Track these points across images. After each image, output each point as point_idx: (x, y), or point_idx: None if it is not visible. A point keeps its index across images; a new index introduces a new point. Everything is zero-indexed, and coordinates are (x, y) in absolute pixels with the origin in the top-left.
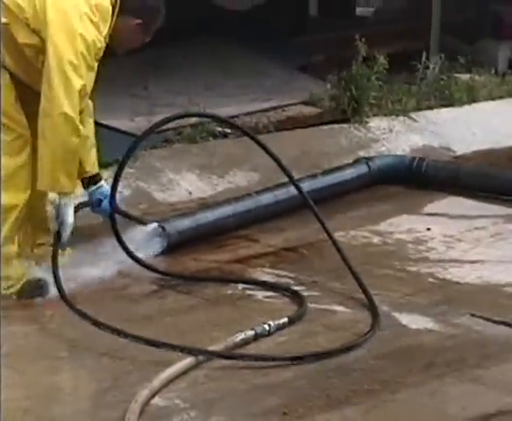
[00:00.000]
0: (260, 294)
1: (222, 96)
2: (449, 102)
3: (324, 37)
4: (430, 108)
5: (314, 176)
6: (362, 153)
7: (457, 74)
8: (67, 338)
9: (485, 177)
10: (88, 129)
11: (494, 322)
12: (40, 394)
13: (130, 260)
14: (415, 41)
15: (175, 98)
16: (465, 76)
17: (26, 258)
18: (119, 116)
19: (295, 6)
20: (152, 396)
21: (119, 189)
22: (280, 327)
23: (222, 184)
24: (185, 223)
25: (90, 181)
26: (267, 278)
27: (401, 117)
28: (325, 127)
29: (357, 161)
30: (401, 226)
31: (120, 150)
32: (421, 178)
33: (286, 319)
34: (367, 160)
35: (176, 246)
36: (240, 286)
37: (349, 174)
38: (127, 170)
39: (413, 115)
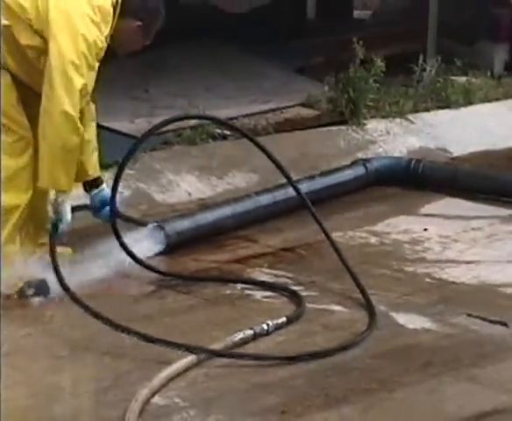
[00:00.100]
0: (259, 294)
1: (221, 98)
2: (445, 104)
3: (322, 39)
4: (427, 110)
5: (312, 177)
6: (360, 155)
7: (453, 77)
8: (68, 337)
9: (481, 179)
10: (91, 132)
11: (491, 322)
12: (42, 393)
13: (130, 261)
14: (412, 44)
15: (175, 100)
16: (462, 79)
17: (28, 258)
18: (120, 118)
19: (293, 9)
20: (152, 394)
21: (119, 190)
22: (278, 327)
23: (221, 185)
24: (184, 223)
25: (92, 184)
26: (266, 278)
27: (398, 119)
28: (323, 129)
29: (354, 163)
30: (399, 227)
31: (120, 152)
32: (418, 179)
33: (284, 319)
34: (365, 161)
35: (176, 246)
36: (239, 286)
37: (347, 175)
38: (127, 172)
39: (410, 117)
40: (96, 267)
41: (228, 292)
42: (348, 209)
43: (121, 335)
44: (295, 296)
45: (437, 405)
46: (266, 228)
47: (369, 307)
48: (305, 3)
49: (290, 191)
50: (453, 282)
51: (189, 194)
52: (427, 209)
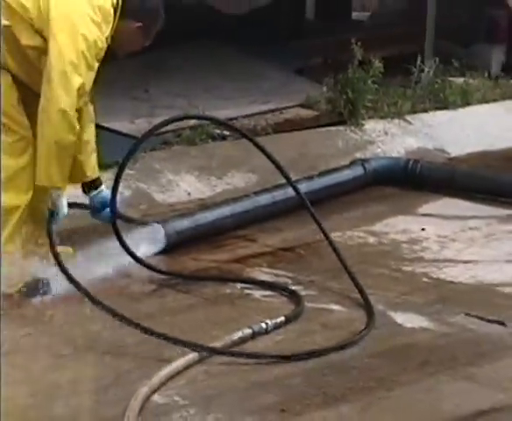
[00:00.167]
0: (258, 293)
1: (220, 99)
2: (443, 105)
3: (321, 41)
4: (425, 111)
5: (311, 178)
6: (358, 155)
7: (451, 78)
8: (68, 336)
9: (479, 179)
10: (89, 133)
11: (488, 321)
12: (42, 391)
13: (130, 260)
14: (410, 45)
15: (175, 101)
16: (460, 80)
17: (28, 258)
18: (120, 118)
19: (292, 10)
20: (152, 393)
21: (120, 190)
22: (277, 326)
23: (220, 185)
24: (184, 223)
25: (91, 186)
26: (265, 277)
27: (396, 120)
28: (322, 129)
29: (353, 163)
30: (397, 227)
31: (120, 152)
32: (416, 180)
33: (283, 318)
34: (363, 161)
35: (176, 245)
36: (239, 285)
37: (345, 175)
38: (127, 172)
39: (408, 117)
40: (97, 266)
41: (227, 291)
42: (347, 209)
43: (121, 334)
44: (293, 296)
45: (435, 404)
46: (265, 228)
47: (367, 306)
48: (304, 4)
49: (289, 191)
50: (451, 282)
51: (189, 194)
52: (425, 209)
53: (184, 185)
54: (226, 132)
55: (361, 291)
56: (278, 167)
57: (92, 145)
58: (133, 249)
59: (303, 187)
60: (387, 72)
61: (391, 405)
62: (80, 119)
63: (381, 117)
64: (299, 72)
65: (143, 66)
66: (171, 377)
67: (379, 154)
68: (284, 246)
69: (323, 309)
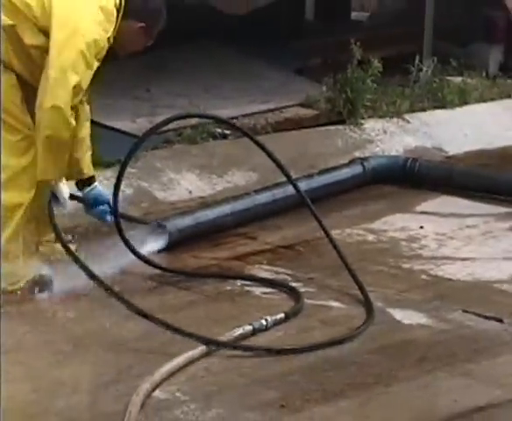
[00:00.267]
0: (258, 290)
1: (221, 99)
2: (441, 104)
3: (321, 41)
4: (423, 110)
5: (310, 176)
6: (357, 154)
7: (449, 77)
8: (70, 333)
9: (476, 177)
10: (85, 132)
11: (486, 317)
12: (44, 387)
13: (132, 257)
14: (408, 45)
15: (176, 100)
16: (458, 79)
17: (31, 255)
18: (121, 117)
19: (292, 11)
20: (154, 388)
21: (121, 188)
22: (277, 322)
23: (221, 184)
24: (185, 221)
25: (85, 182)
26: (265, 275)
27: (394, 119)
28: (321, 128)
29: (352, 162)
30: (395, 224)
31: (122, 151)
32: (414, 178)
33: (283, 315)
34: (362, 160)
35: (176, 243)
36: (239, 282)
37: (344, 174)
38: (129, 170)
39: (406, 117)
40: (98, 263)
41: (228, 288)
42: (346, 207)
43: (122, 330)
44: (293, 293)
45: (433, 400)
46: (265, 225)
47: (367, 303)
48: (304, 4)
49: (289, 189)
50: (449, 279)
51: (190, 192)
52: (423, 207)
53: (185, 183)
54: (227, 131)
55: (361, 288)
56: (279, 165)
57: (87, 142)
58: (135, 247)
59: (303, 185)
60: (386, 71)
61: (389, 401)
62: (76, 117)
63: (380, 117)
64: (299, 72)
65: (144, 66)
66: (172, 373)
67: (378, 153)
68: (284, 243)
69: (323, 305)
